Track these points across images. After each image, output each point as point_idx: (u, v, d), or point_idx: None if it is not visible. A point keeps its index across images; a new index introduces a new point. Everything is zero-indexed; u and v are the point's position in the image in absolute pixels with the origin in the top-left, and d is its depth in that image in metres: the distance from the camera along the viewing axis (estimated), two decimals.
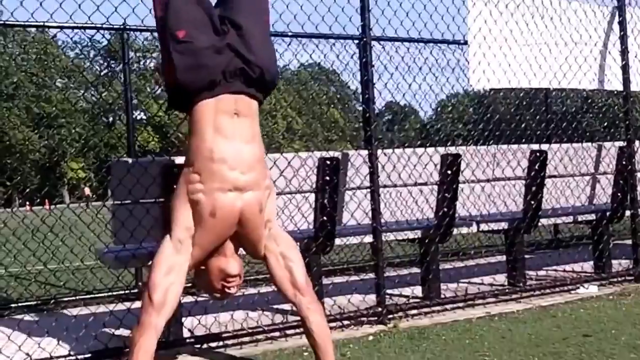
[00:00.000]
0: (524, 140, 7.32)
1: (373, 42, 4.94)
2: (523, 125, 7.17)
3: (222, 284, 3.37)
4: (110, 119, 52.07)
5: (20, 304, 5.94)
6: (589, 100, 8.85)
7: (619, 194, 5.96)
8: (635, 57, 6.11)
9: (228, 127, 3.29)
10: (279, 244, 3.45)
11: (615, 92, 6.54)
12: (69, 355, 3.95)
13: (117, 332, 4.30)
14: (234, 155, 3.27)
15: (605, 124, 8.24)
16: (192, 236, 3.26)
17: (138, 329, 3.13)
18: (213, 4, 3.51)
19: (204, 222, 3.25)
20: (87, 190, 42.52)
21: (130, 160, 4.37)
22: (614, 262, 6.12)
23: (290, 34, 5.15)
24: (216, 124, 3.28)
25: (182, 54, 3.30)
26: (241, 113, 3.34)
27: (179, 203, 3.30)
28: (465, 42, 5.57)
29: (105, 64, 54.81)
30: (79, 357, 3.94)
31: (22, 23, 4.41)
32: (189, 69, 3.29)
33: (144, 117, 40.04)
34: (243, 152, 3.30)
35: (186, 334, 4.37)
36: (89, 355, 3.99)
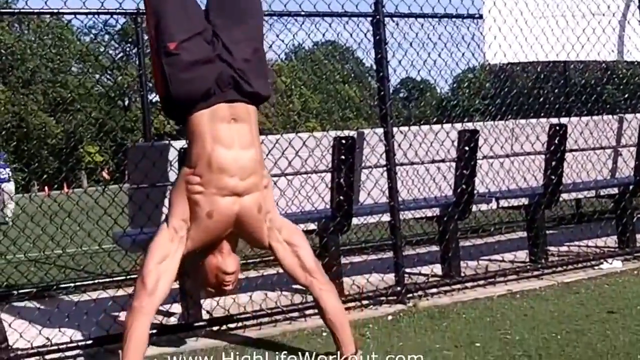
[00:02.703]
0: (543, 114, 7.22)
1: (386, 19, 4.88)
2: (542, 99, 7.06)
3: (218, 281, 3.41)
4: (126, 102, 52.21)
5: (40, 289, 5.95)
6: (610, 72, 8.69)
7: None
8: None
9: (226, 135, 3.31)
10: (282, 232, 3.51)
11: (636, 62, 6.40)
12: (89, 338, 3.94)
13: None
14: (233, 163, 3.30)
15: (627, 95, 8.09)
16: (188, 229, 3.31)
17: (130, 314, 3.19)
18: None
19: (199, 221, 3.30)
20: (105, 174, 42.68)
21: (146, 144, 4.33)
22: (638, 236, 6.01)
23: (303, 13, 5.09)
24: (214, 133, 3.29)
25: (173, 66, 3.30)
26: (239, 118, 3.36)
27: (177, 196, 3.34)
28: (480, 16, 5.47)
29: (120, 47, 54.86)
30: (99, 340, 3.93)
31: (37, 10, 4.39)
32: (182, 82, 3.29)
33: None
34: (242, 159, 3.32)
35: (205, 316, 4.35)
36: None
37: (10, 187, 16.65)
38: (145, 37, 6.45)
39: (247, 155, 3.34)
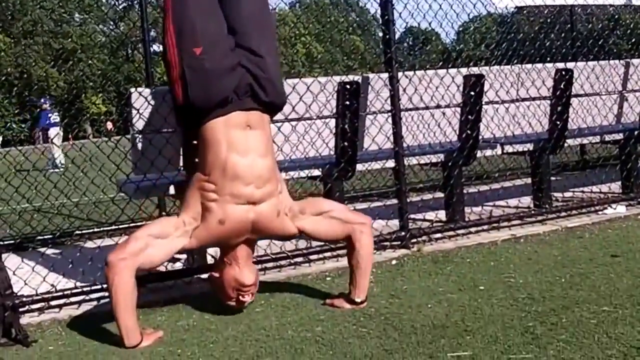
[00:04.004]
0: (548, 60, 7.15)
1: None
2: (548, 44, 6.97)
3: (236, 293, 3.41)
4: (130, 52, 51.89)
5: (44, 237, 5.97)
6: (616, 17, 8.59)
7: None
8: None
9: (241, 142, 3.28)
10: (305, 212, 3.49)
11: None
12: (94, 284, 3.95)
13: None
14: (248, 170, 3.27)
15: (633, 40, 8.01)
16: (196, 227, 3.28)
17: (109, 270, 3.13)
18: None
19: (210, 226, 3.28)
20: (109, 125, 42.68)
21: (148, 90, 4.29)
22: None
23: None
24: (229, 139, 3.27)
25: (196, 71, 3.26)
26: (253, 126, 3.34)
27: (190, 197, 3.32)
28: None
29: None
30: (104, 286, 3.94)
31: None
32: (202, 87, 3.26)
33: None
34: (258, 167, 3.30)
35: (210, 260, 4.35)
36: None
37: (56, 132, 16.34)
38: None
39: (262, 163, 3.32)
